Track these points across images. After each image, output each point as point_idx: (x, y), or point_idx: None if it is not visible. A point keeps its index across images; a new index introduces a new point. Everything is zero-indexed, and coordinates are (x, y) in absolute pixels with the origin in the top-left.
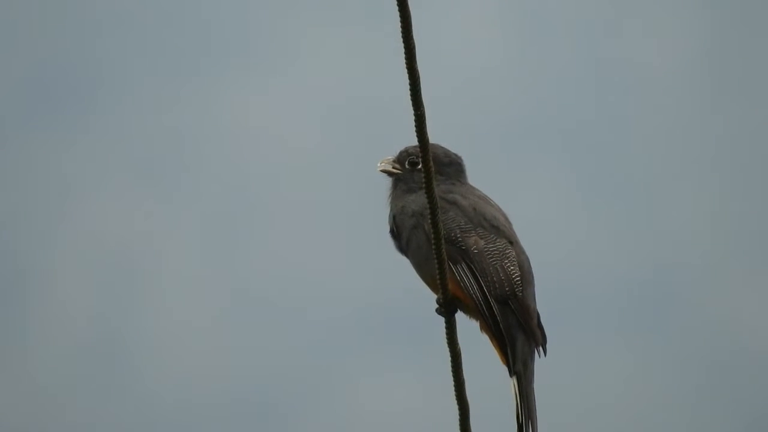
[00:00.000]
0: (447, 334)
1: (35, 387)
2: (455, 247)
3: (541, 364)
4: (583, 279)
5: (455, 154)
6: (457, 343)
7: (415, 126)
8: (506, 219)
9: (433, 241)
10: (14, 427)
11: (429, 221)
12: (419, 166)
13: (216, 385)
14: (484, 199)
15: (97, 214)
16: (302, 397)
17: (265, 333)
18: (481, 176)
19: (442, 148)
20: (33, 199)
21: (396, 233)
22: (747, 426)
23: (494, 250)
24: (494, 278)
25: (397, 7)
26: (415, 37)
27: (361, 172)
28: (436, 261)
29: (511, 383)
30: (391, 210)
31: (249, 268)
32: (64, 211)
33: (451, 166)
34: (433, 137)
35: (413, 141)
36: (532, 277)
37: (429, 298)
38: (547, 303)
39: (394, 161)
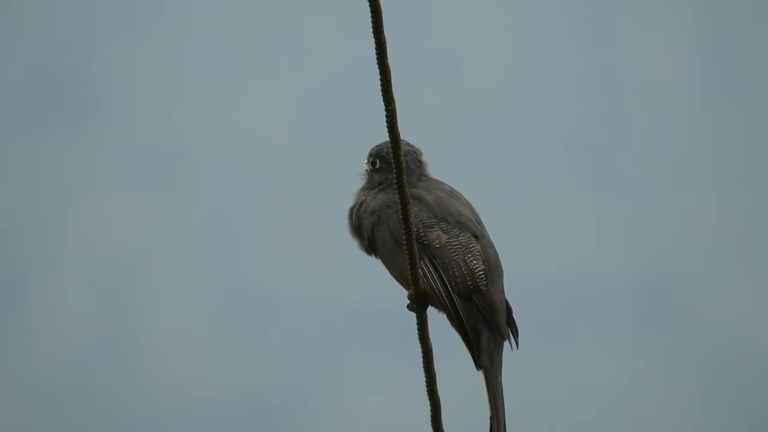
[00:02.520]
0: (418, 329)
1: (35, 387)
2: (418, 243)
3: (540, 367)
4: (583, 281)
5: (409, 144)
6: (429, 339)
7: (386, 122)
8: (473, 213)
9: (404, 238)
10: (14, 427)
11: (392, 217)
12: (377, 166)
13: (215, 385)
14: (451, 193)
15: (98, 215)
16: (300, 397)
17: (264, 333)
18: (482, 178)
19: (407, 144)
20: (34, 200)
21: (356, 227)
22: (749, 428)
23: (457, 244)
24: (456, 273)
25: (367, 2)
26: (418, 39)
27: (360, 171)
28: (406, 257)
29: (480, 377)
30: (349, 207)
31: (248, 269)
32: (65, 212)
33: (406, 156)
34: (434, 139)
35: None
36: (501, 270)
37: (400, 294)
38: (548, 304)
39: (366, 164)
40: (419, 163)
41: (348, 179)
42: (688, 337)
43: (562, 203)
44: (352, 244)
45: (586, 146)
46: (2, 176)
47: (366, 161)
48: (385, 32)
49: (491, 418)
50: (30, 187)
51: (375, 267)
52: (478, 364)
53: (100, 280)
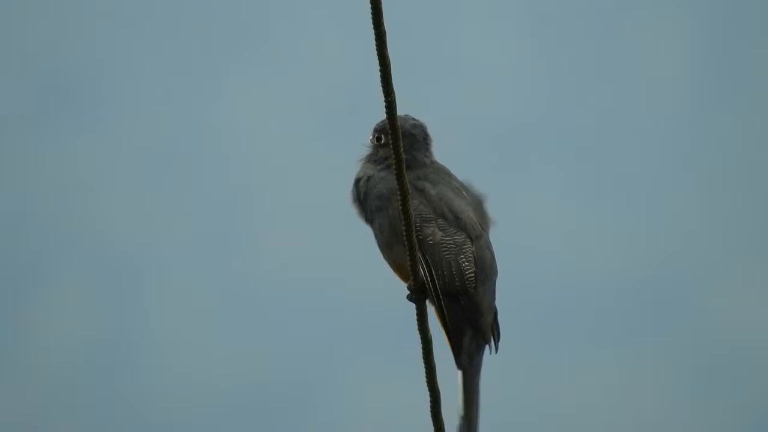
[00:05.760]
0: (418, 320)
1: (36, 387)
2: None
3: (541, 364)
4: (582, 281)
5: (414, 119)
6: (429, 330)
7: (386, 113)
8: (478, 212)
9: (403, 230)
10: (18, 426)
11: (394, 206)
12: (383, 142)
13: (215, 386)
14: (457, 190)
15: (100, 214)
16: (298, 397)
17: (264, 334)
18: (481, 178)
19: (411, 119)
20: (35, 200)
21: (359, 199)
22: (749, 428)
23: (451, 243)
24: (445, 272)
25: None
26: (418, 39)
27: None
28: (403, 247)
29: (458, 376)
30: (356, 176)
31: (249, 269)
32: (66, 212)
33: (415, 129)
34: (434, 134)
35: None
36: (494, 272)
37: (398, 285)
38: (546, 304)
39: (371, 138)
40: (427, 140)
41: (347, 179)
42: (687, 337)
43: (560, 204)
44: (348, 240)
45: (585, 146)
46: (5, 175)
47: (371, 136)
48: (385, 33)
49: (462, 418)
50: (30, 187)
51: (373, 262)
52: (458, 364)
53: (103, 278)
